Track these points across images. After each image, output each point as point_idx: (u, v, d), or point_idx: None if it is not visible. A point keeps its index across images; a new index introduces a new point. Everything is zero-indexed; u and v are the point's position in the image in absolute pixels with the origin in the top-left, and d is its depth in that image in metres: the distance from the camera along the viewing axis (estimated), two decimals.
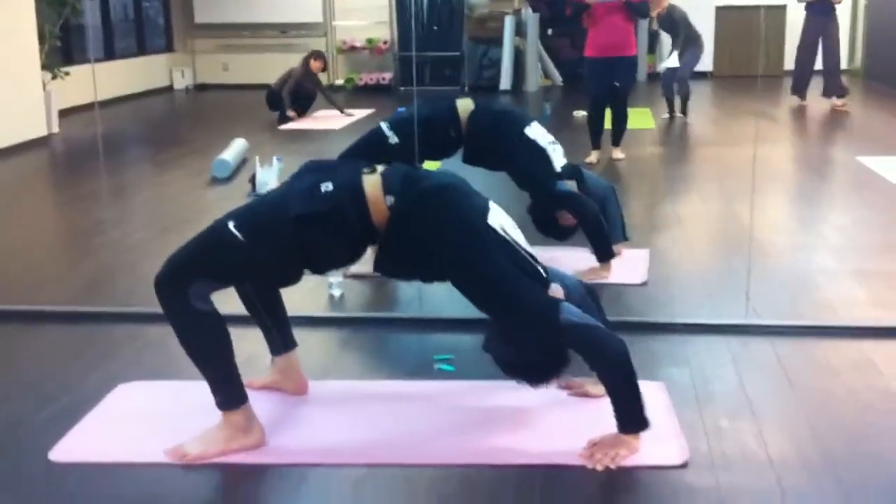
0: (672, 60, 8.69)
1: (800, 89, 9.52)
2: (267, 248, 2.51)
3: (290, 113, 9.25)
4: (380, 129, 4.09)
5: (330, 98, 9.67)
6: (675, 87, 8.69)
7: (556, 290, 2.60)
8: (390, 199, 2.51)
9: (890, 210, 5.41)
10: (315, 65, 9.50)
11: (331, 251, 2.56)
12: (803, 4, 9.45)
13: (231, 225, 2.50)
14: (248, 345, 2.98)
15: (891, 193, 5.74)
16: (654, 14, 8.39)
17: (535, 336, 2.51)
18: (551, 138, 4.17)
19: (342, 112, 9.51)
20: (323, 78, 9.99)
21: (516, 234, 2.62)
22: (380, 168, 2.60)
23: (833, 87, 9.15)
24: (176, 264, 2.55)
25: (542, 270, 2.62)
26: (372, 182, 2.54)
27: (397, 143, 3.97)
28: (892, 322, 3.52)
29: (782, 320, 3.55)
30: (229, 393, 2.57)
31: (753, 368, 3.15)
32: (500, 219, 2.60)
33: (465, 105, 4.13)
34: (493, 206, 2.63)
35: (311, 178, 2.56)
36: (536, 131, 4.12)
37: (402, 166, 2.68)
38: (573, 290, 2.67)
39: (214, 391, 2.57)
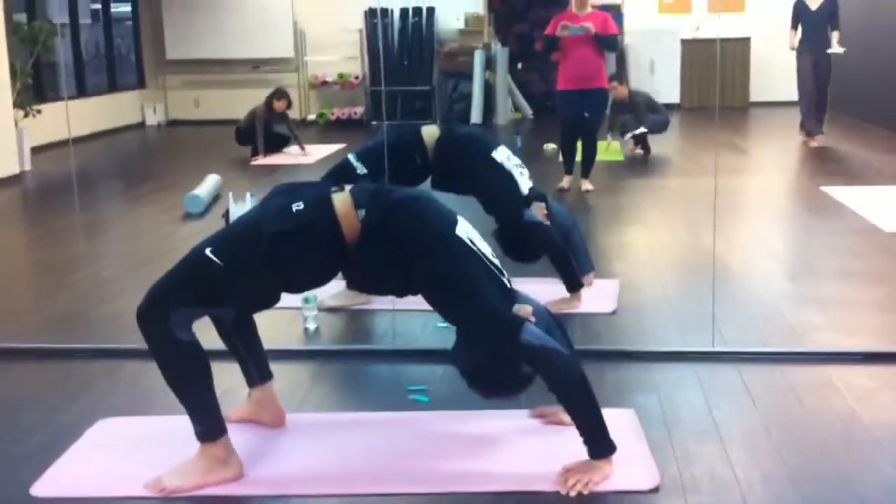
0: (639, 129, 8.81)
1: (809, 128, 9.22)
2: (244, 269, 2.56)
3: (259, 158, 9.07)
4: (348, 160, 4.17)
5: (295, 135, 9.46)
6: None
7: (523, 309, 2.67)
8: (362, 213, 2.59)
9: (851, 238, 5.54)
10: (279, 105, 9.28)
11: (306, 268, 2.62)
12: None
13: (208, 251, 2.56)
14: (227, 377, 3.01)
15: (852, 222, 5.88)
16: (614, 96, 8.49)
17: (493, 347, 2.59)
18: (518, 161, 4.24)
19: (301, 149, 9.36)
20: (295, 113, 9.96)
21: (483, 246, 2.71)
22: (347, 187, 2.69)
23: (814, 125, 9.18)
24: (156, 295, 2.60)
25: (507, 282, 2.71)
26: (341, 199, 2.63)
27: (365, 174, 4.04)
28: (852, 347, 3.63)
29: (747, 347, 3.65)
30: (209, 424, 2.61)
31: (720, 393, 3.23)
32: (467, 230, 2.69)
33: (430, 131, 4.21)
34: (460, 218, 2.72)
35: (282, 199, 2.63)
36: (502, 154, 4.19)
37: (368, 184, 2.78)
38: (539, 315, 2.73)
39: (195, 422, 2.61)
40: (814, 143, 9.06)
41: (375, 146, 4.13)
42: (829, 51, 9.03)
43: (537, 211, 4.11)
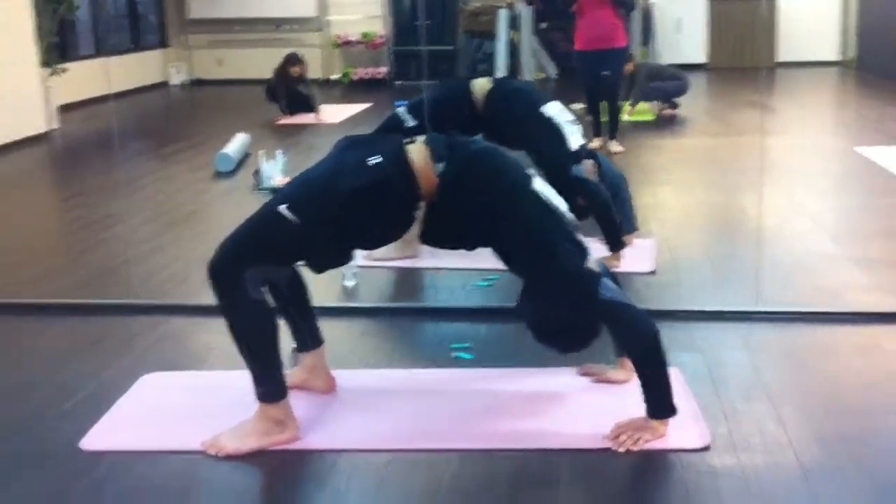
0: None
1: None
2: (321, 226, 2.50)
3: (283, 118, 9.01)
4: (397, 114, 4.15)
5: (311, 100, 9.23)
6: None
7: (593, 262, 2.63)
8: (440, 167, 2.53)
9: (889, 198, 5.47)
10: (294, 70, 9.18)
11: (381, 223, 2.57)
12: None
13: (283, 208, 2.50)
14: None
15: (889, 182, 5.81)
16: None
17: (571, 302, 2.54)
18: (570, 116, 4.18)
19: (315, 112, 9.12)
20: (318, 72, 9.89)
21: (559, 201, 2.66)
22: (420, 138, 2.62)
23: None
24: (230, 252, 2.54)
25: (581, 238, 2.65)
26: (418, 151, 2.56)
27: (415, 126, 4.00)
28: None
29: (791, 307, 3.60)
30: (272, 386, 2.57)
31: (765, 353, 3.20)
32: (543, 186, 2.65)
33: (481, 84, 4.17)
34: (533, 173, 2.67)
35: (356, 152, 2.56)
36: (554, 109, 4.13)
37: (441, 135, 2.70)
38: (603, 271, 2.70)
39: (258, 382, 2.57)
40: None
41: (426, 99, 4.08)
42: None
43: (586, 167, 4.07)
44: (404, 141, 2.61)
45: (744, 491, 2.34)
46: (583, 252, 2.61)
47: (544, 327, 2.61)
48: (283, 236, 2.52)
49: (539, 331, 2.62)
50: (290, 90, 9.18)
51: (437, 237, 2.68)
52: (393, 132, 3.96)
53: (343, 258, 2.68)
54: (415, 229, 2.61)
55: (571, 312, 2.56)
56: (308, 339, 2.91)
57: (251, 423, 2.58)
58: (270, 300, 2.67)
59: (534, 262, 2.55)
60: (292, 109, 9.14)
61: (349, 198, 2.47)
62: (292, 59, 9.28)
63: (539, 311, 2.59)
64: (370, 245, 2.70)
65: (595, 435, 2.58)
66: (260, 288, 2.56)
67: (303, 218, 2.49)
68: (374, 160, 2.51)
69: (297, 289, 2.84)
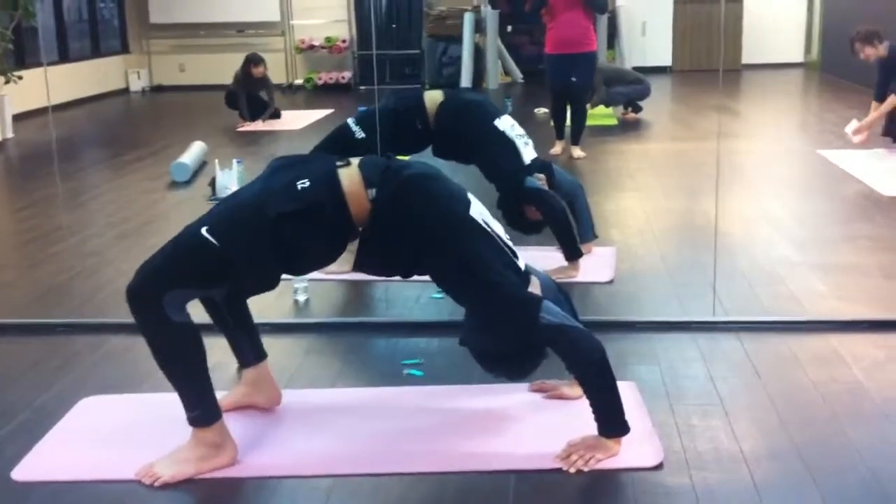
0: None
1: None
2: (244, 251, 2.41)
3: (246, 124, 8.89)
4: (347, 125, 4.06)
5: (270, 103, 9.16)
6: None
7: (534, 285, 2.57)
8: (372, 192, 2.45)
9: (849, 202, 5.46)
10: (257, 71, 9.02)
11: (311, 251, 2.48)
12: None
13: (204, 230, 2.40)
14: (214, 353, 2.91)
15: (851, 186, 5.80)
16: None
17: (513, 329, 2.48)
18: (522, 131, 4.14)
19: (273, 117, 9.09)
20: (281, 77, 9.81)
21: (497, 227, 2.59)
22: (354, 161, 2.53)
23: None
24: (149, 274, 2.44)
25: (521, 266, 2.60)
26: (350, 176, 2.47)
27: (364, 138, 3.92)
28: (855, 315, 3.54)
29: (750, 316, 3.56)
30: (203, 409, 2.47)
31: (723, 365, 3.15)
32: (481, 211, 2.57)
33: (432, 97, 4.09)
34: (473, 198, 2.60)
35: (286, 175, 2.47)
36: (506, 123, 4.08)
37: (377, 158, 2.62)
38: (547, 289, 2.64)
39: (188, 407, 2.47)
40: None
41: (376, 111, 4.00)
42: None
43: (539, 181, 4.01)
44: (337, 164, 2.51)
45: None
46: (523, 277, 2.55)
47: (490, 356, 2.55)
48: (202, 260, 2.42)
49: (485, 360, 2.56)
50: (251, 95, 9.05)
51: (370, 264, 2.59)
52: (342, 143, 3.89)
53: (269, 284, 2.57)
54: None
55: (514, 339, 2.50)
56: (250, 355, 2.82)
57: (186, 450, 2.48)
58: (206, 317, 2.57)
59: (473, 290, 2.48)
60: (253, 115, 9.00)
61: (276, 223, 2.38)
62: (254, 59, 9.08)
63: (483, 341, 2.52)
64: (297, 271, 2.60)
65: (546, 455, 2.51)
66: (183, 310, 2.46)
67: (224, 242, 2.39)
68: (303, 184, 2.41)
69: (236, 303, 2.75)
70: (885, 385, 2.95)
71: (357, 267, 2.58)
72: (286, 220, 2.38)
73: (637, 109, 8.70)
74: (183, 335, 2.44)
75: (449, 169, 3.83)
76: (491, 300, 2.46)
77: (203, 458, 2.47)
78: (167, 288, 2.40)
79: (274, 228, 2.38)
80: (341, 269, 4.08)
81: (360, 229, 2.48)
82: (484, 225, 2.53)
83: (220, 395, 2.72)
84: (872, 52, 6.70)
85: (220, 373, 2.95)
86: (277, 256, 2.43)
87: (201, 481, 2.45)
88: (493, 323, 2.49)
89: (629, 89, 8.58)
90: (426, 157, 4.10)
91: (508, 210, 4.02)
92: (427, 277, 2.61)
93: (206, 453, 2.47)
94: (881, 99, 6.74)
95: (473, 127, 4.04)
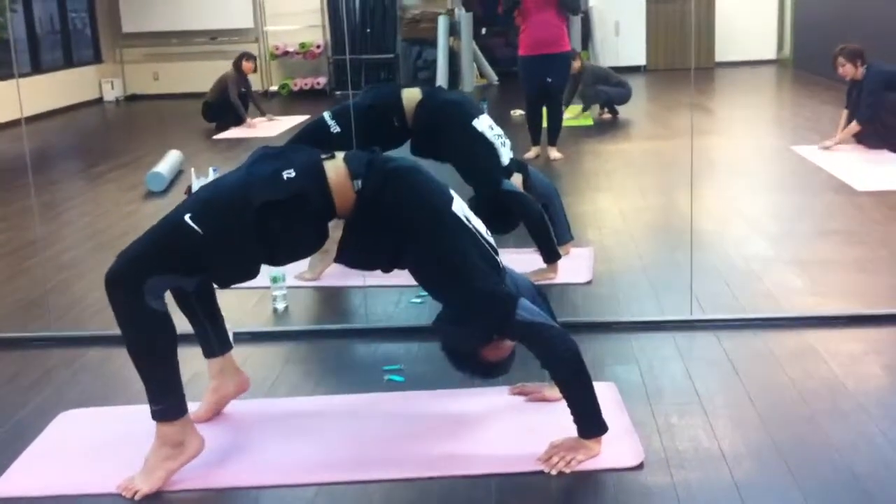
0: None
1: None
2: (227, 239, 2.39)
3: (250, 120, 9.17)
4: (322, 119, 4.04)
5: (257, 102, 9.52)
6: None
7: (511, 285, 2.57)
8: (357, 184, 2.45)
9: (823, 197, 5.50)
10: (247, 66, 9.35)
11: (292, 240, 2.47)
12: None
13: (187, 217, 2.39)
14: (194, 363, 2.90)
15: (825, 182, 5.84)
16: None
17: (489, 326, 2.49)
18: (500, 132, 4.13)
19: (265, 116, 9.40)
20: (256, 84, 9.88)
21: (478, 224, 2.60)
22: (339, 154, 2.53)
23: None
24: (130, 260, 2.42)
25: (499, 261, 2.60)
26: (335, 167, 2.47)
27: (339, 133, 3.90)
28: (831, 310, 3.57)
29: (727, 314, 3.58)
30: (170, 403, 2.46)
31: (701, 363, 3.17)
32: (462, 207, 2.58)
33: (411, 94, 4.07)
34: (455, 194, 2.61)
35: (270, 164, 2.46)
36: (484, 123, 4.07)
37: (362, 152, 2.61)
38: (525, 289, 2.65)
39: (154, 400, 2.45)
40: None
41: (352, 106, 3.97)
42: None
43: (516, 182, 4.01)
44: (322, 156, 2.51)
45: None
46: (500, 274, 2.55)
47: (461, 352, 2.55)
48: (185, 247, 2.40)
49: (455, 356, 2.56)
50: (242, 94, 9.20)
51: (352, 257, 2.59)
52: (317, 137, 3.87)
53: (249, 273, 2.53)
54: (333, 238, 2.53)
55: (487, 335, 2.50)
56: (216, 345, 2.81)
57: (152, 455, 2.47)
58: (185, 326, 2.56)
59: (450, 284, 2.48)
60: (227, 121, 9.08)
61: (260, 211, 2.37)
62: (247, 55, 9.43)
63: (455, 336, 2.52)
64: (278, 261, 2.57)
65: (527, 457, 2.52)
66: (160, 298, 2.44)
67: (206, 229, 2.38)
68: (289, 174, 2.41)
69: (205, 294, 2.73)
70: (862, 380, 2.98)
71: (339, 258, 2.58)
72: (271, 208, 2.37)
73: (614, 112, 8.75)
74: (159, 323, 2.42)
75: (427, 167, 3.85)
76: (467, 294, 2.46)
77: (169, 457, 2.46)
78: (149, 274, 2.39)
79: (258, 217, 2.37)
80: (314, 276, 4.11)
81: (345, 221, 2.47)
82: (465, 220, 2.53)
83: (194, 406, 2.72)
84: (851, 71, 6.76)
85: (196, 385, 2.94)
86: (260, 245, 2.42)
87: (184, 492, 2.44)
88: (468, 317, 2.48)
89: (613, 91, 8.64)
90: (403, 153, 4.11)
91: (484, 210, 4.00)
92: (406, 281, 2.61)
93: (170, 453, 2.46)
94: (858, 119, 6.68)
95: (452, 127, 4.03)
